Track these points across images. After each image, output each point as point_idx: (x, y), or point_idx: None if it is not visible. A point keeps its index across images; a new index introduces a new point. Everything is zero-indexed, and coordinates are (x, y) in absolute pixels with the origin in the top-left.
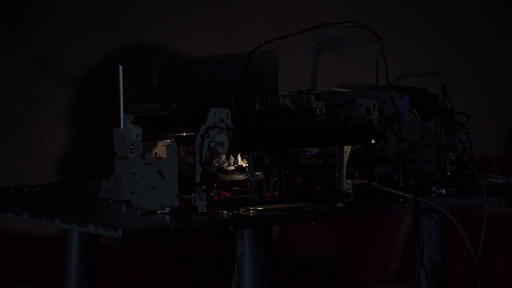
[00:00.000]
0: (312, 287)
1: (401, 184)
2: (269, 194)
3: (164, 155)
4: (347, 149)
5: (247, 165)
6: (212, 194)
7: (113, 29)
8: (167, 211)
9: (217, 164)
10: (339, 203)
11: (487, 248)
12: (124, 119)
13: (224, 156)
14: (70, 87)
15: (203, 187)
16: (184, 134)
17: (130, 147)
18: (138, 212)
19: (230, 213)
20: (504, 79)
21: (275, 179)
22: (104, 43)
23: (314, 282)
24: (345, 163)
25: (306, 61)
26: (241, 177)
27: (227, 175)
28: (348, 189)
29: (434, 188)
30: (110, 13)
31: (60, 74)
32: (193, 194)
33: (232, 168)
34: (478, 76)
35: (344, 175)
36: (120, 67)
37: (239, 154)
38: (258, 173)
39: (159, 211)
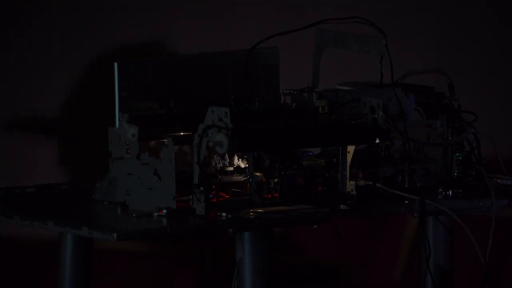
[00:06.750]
0: None
1: (406, 186)
2: (270, 196)
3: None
4: (351, 149)
5: (247, 165)
6: (211, 196)
7: (108, 26)
8: (164, 214)
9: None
10: (342, 205)
11: (495, 251)
12: (119, 118)
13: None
14: (65, 86)
15: (201, 188)
16: (182, 133)
17: (126, 147)
18: (134, 215)
19: (229, 216)
20: None
21: (275, 180)
22: (99, 40)
23: (318, 286)
24: (348, 164)
25: (308, 58)
26: (240, 178)
27: (226, 176)
28: (352, 190)
29: (441, 190)
30: (106, 10)
31: (54, 73)
32: (191, 196)
33: (231, 169)
34: (485, 74)
35: (348, 176)
36: (116, 64)
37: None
38: (258, 174)
39: (155, 214)
